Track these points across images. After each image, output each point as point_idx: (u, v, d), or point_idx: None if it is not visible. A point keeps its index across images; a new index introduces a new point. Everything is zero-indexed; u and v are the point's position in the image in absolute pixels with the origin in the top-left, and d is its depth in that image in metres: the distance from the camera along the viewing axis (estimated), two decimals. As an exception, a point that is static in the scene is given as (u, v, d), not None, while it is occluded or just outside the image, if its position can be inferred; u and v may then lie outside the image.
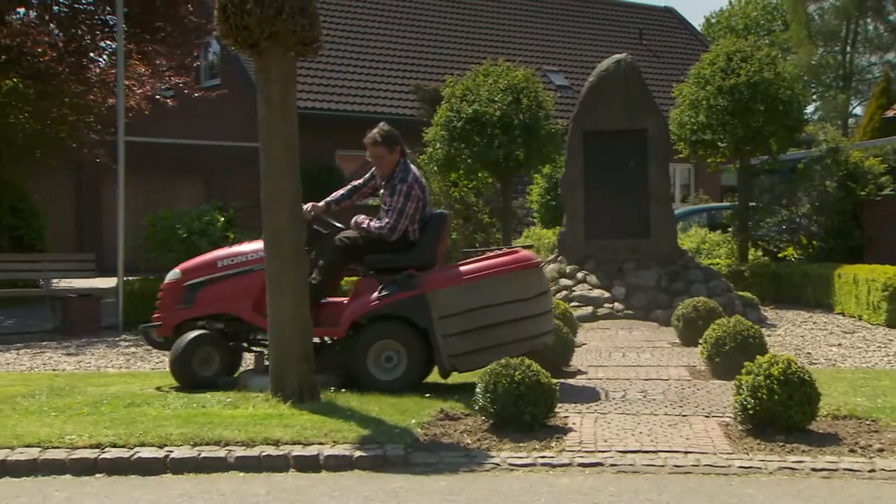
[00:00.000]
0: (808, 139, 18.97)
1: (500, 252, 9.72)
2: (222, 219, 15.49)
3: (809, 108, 40.06)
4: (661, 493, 6.00)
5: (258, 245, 9.19)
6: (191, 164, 26.04)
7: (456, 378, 9.60)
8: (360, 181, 9.83)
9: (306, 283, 8.44)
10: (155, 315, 9.69)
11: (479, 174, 17.67)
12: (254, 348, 9.74)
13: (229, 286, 9.41)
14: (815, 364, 10.18)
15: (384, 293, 9.01)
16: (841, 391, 8.28)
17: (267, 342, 9.03)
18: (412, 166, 9.62)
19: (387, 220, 9.20)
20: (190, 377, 9.14)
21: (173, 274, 9.72)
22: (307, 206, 9.27)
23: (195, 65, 23.96)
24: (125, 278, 15.29)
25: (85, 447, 6.93)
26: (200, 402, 8.19)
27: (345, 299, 9.52)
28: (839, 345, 11.95)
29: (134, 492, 6.26)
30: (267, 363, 9.00)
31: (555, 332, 9.76)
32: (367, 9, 31.87)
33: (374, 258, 9.26)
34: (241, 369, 9.80)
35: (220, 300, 9.44)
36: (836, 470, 6.47)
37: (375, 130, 9.50)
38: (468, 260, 9.55)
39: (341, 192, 9.78)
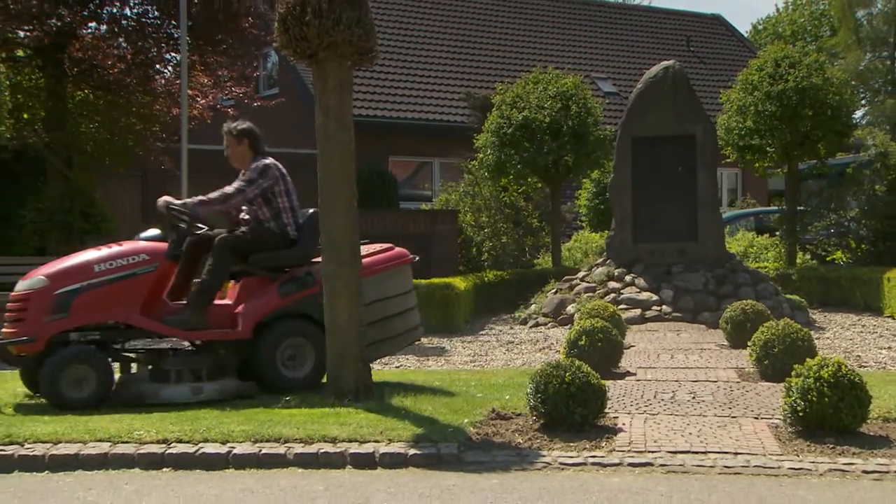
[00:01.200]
0: (856, 144, 18.79)
1: (378, 247, 9.55)
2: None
3: (858, 113, 39.92)
4: (710, 494, 5.96)
5: (135, 246, 9.06)
6: (250, 169, 26.24)
7: (508, 374, 9.61)
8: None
9: (360, 285, 8.42)
10: (12, 329, 8.63)
11: (529, 179, 17.71)
12: (129, 355, 9.17)
13: (113, 292, 8.75)
14: (865, 367, 10.09)
15: (286, 291, 8.95)
16: (892, 394, 8.18)
17: (142, 348, 9.01)
18: (275, 162, 9.45)
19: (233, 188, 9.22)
20: (61, 399, 8.31)
21: (38, 281, 8.74)
22: (160, 200, 9.14)
23: (255, 75, 24.12)
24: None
25: (152, 442, 7.01)
26: (259, 401, 8.29)
27: (227, 301, 9.28)
28: (889, 348, 11.83)
29: (199, 486, 6.32)
30: (150, 367, 8.93)
31: (604, 333, 9.75)
32: (420, 18, 31.94)
33: (257, 258, 9.09)
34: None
35: (104, 307, 8.74)
36: (887, 472, 6.39)
37: (234, 123, 9.65)
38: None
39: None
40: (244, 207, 9.37)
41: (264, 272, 9.13)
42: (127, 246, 9.13)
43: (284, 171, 9.44)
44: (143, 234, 9.34)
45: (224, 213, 9.52)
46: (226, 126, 9.65)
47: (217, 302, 9.10)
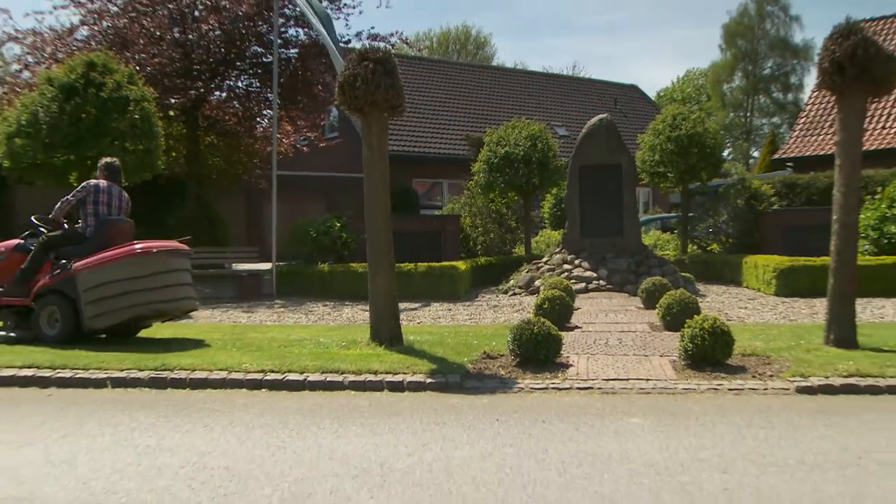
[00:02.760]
0: (724, 173, 18.83)
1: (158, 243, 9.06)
2: (338, 224, 15.63)
3: (725, 152, 40.86)
4: (630, 406, 6.04)
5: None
6: (318, 188, 26.23)
7: (495, 328, 9.64)
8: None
9: (394, 267, 8.35)
10: None
11: (509, 194, 17.70)
12: None
13: None
14: (731, 320, 10.10)
15: (53, 274, 8.79)
16: (747, 338, 8.23)
17: None
18: (95, 182, 9.16)
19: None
20: None
21: None
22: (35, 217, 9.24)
23: (322, 123, 24.21)
24: (277, 263, 15.53)
25: (254, 371, 7.11)
26: (324, 346, 8.31)
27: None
28: (745, 307, 11.84)
29: (285, 401, 6.41)
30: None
31: (560, 300, 9.71)
32: (434, 84, 31.98)
33: (63, 251, 8.90)
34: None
35: None
36: (743, 389, 6.49)
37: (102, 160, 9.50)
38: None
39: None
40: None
41: (53, 260, 8.94)
42: None
43: (103, 188, 9.09)
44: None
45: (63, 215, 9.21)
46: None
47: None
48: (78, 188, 9.10)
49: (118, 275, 8.51)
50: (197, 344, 8.58)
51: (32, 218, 9.26)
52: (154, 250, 8.69)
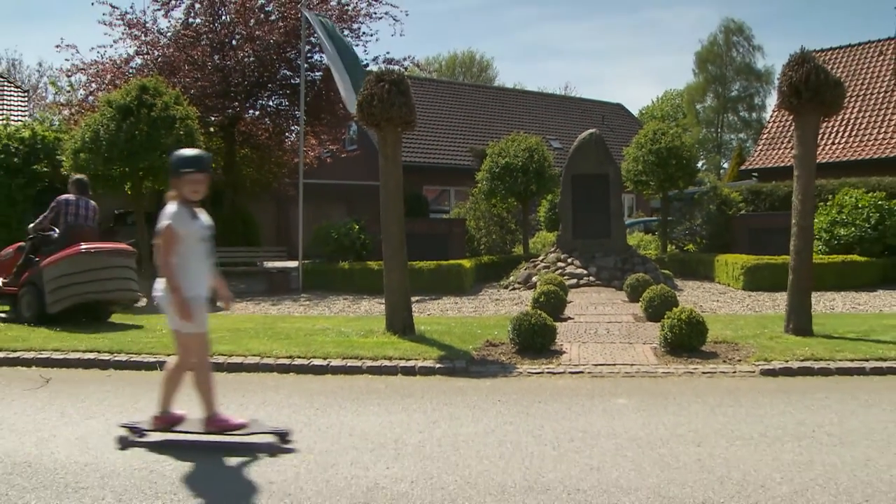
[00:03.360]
0: (699, 181, 18.76)
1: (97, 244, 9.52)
2: (357, 226, 15.60)
3: (699, 164, 40.96)
4: (616, 387, 6.04)
5: (8, 247, 10.24)
6: (339, 194, 26.17)
7: (496, 319, 9.63)
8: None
9: (406, 264, 8.35)
10: None
11: (510, 200, 17.62)
12: None
13: None
14: (705, 312, 10.07)
15: (31, 270, 9.45)
16: (718, 327, 8.20)
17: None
18: (65, 196, 9.65)
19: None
20: None
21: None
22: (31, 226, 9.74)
23: (343, 137, 24.21)
24: (303, 261, 15.52)
25: (283, 357, 7.11)
26: (345, 335, 8.28)
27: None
28: (717, 301, 11.79)
29: (310, 384, 6.40)
30: None
31: (555, 294, 9.71)
32: (443, 102, 31.87)
33: (44, 250, 9.46)
34: None
35: None
36: (715, 372, 6.49)
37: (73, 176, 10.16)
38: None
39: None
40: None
41: (36, 258, 9.54)
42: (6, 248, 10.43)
43: (72, 201, 9.59)
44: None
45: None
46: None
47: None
48: (53, 203, 9.62)
49: (68, 269, 9.08)
50: (232, 332, 8.56)
51: (29, 227, 9.86)
52: (93, 250, 9.21)
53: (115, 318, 9.90)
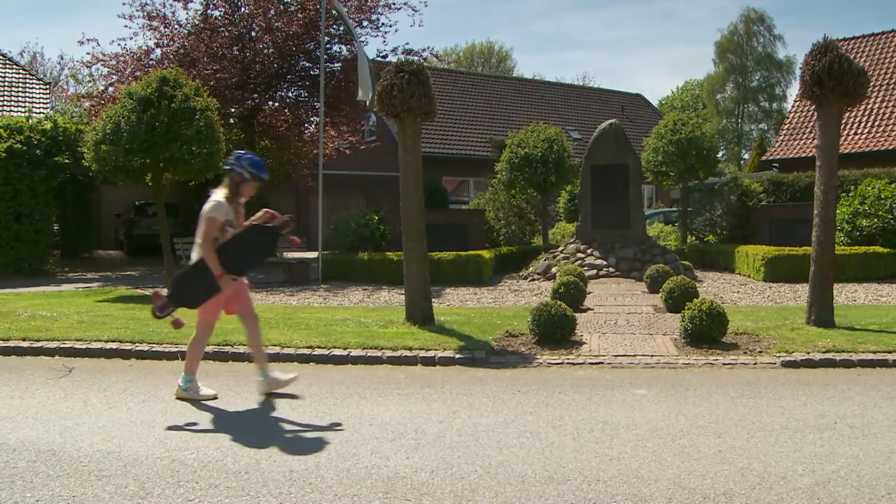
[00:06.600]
0: (719, 172, 18.54)
1: None
2: (376, 217, 15.60)
3: (719, 154, 40.42)
4: (636, 378, 6.01)
5: None
6: (358, 185, 26.21)
7: (516, 310, 9.61)
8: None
9: (426, 255, 8.33)
10: None
11: (529, 190, 17.56)
12: None
13: None
14: (725, 303, 10.01)
15: None
16: (739, 319, 8.15)
17: None
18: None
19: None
20: None
21: None
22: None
23: (362, 128, 24.20)
24: (322, 252, 15.56)
25: (303, 347, 7.14)
26: (365, 325, 8.30)
27: None
28: (738, 292, 11.69)
29: (331, 374, 6.43)
30: None
31: (574, 285, 9.67)
32: (462, 93, 31.76)
33: None
34: None
35: None
36: (735, 364, 6.43)
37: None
38: None
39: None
40: None
41: None
42: None
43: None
44: None
45: None
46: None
47: None
48: None
49: None
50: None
51: None
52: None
53: (139, 308, 9.97)
